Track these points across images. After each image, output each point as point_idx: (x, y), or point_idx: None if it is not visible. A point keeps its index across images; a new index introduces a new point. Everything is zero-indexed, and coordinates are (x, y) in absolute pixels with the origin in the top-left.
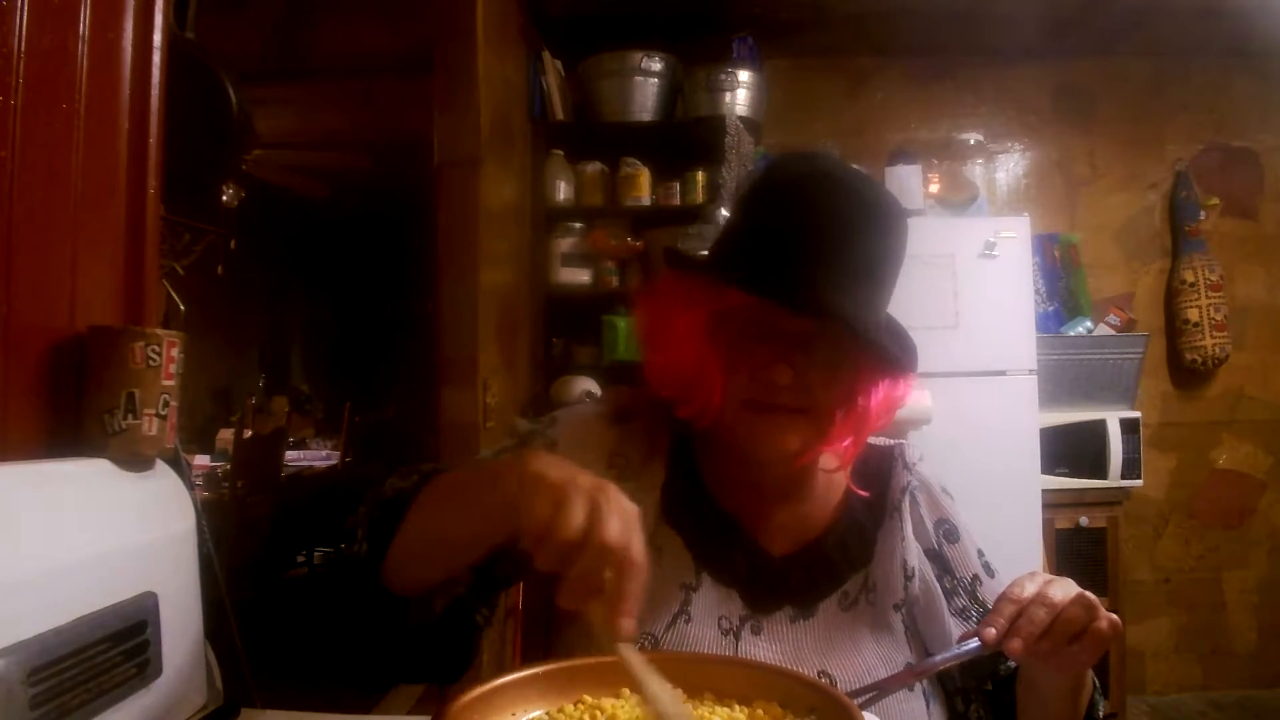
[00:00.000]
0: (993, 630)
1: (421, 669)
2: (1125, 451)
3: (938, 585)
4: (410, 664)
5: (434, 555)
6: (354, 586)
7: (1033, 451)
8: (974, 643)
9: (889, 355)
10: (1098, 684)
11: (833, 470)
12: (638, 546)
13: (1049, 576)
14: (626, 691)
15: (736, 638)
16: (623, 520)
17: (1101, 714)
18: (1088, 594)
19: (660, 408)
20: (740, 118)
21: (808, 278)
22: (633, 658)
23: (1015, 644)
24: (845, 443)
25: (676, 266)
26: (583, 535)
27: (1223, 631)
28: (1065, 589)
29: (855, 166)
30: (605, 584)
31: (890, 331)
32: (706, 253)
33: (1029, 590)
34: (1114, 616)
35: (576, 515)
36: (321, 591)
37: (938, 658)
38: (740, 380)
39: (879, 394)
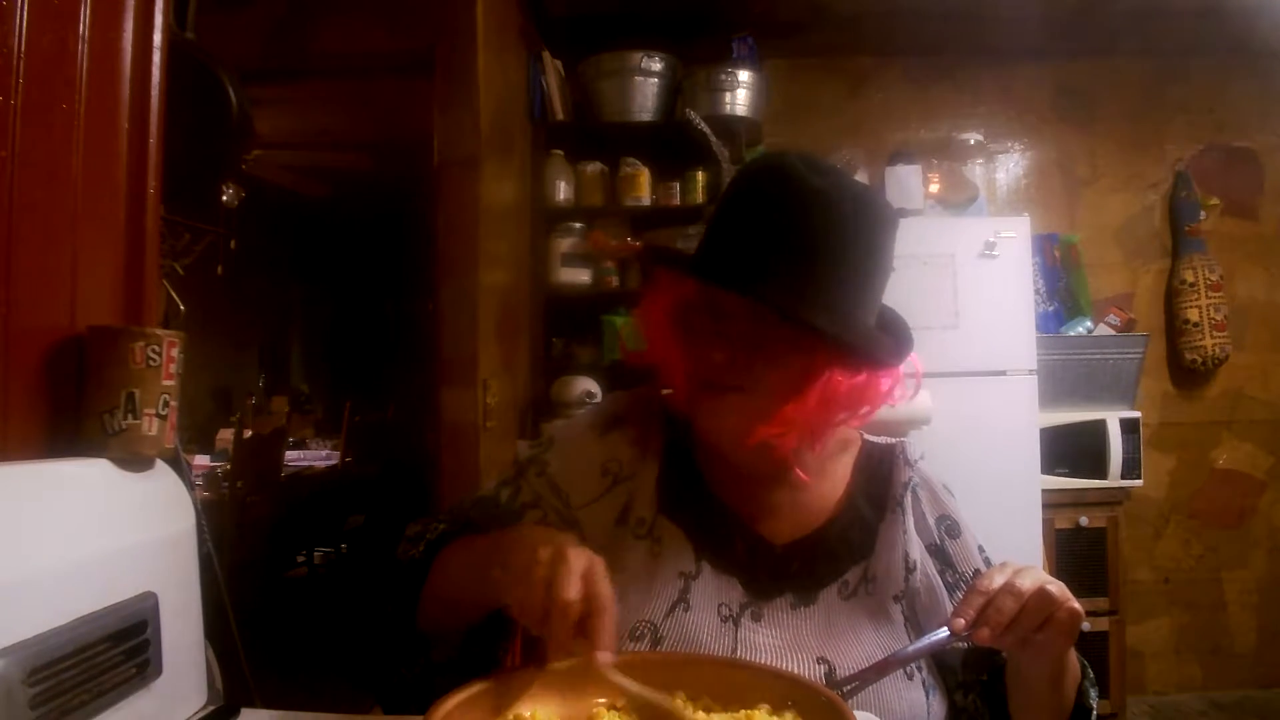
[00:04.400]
0: (962, 620)
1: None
2: (1125, 451)
3: (939, 580)
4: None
5: (449, 618)
6: (385, 636)
7: (1033, 451)
8: (943, 631)
9: (839, 341)
10: (1091, 676)
11: (790, 448)
12: (599, 590)
13: (1019, 567)
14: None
15: (736, 625)
16: (580, 574)
17: (1094, 704)
18: (1054, 583)
19: (653, 406)
20: (739, 118)
21: (747, 261)
22: (625, 682)
23: (983, 632)
24: (797, 427)
25: (653, 260)
26: (546, 602)
27: (1223, 631)
28: (1033, 579)
29: (836, 165)
30: (580, 628)
31: (884, 326)
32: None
33: (997, 581)
34: (1076, 606)
35: (537, 589)
36: (326, 628)
37: (910, 647)
38: (693, 363)
39: (839, 383)
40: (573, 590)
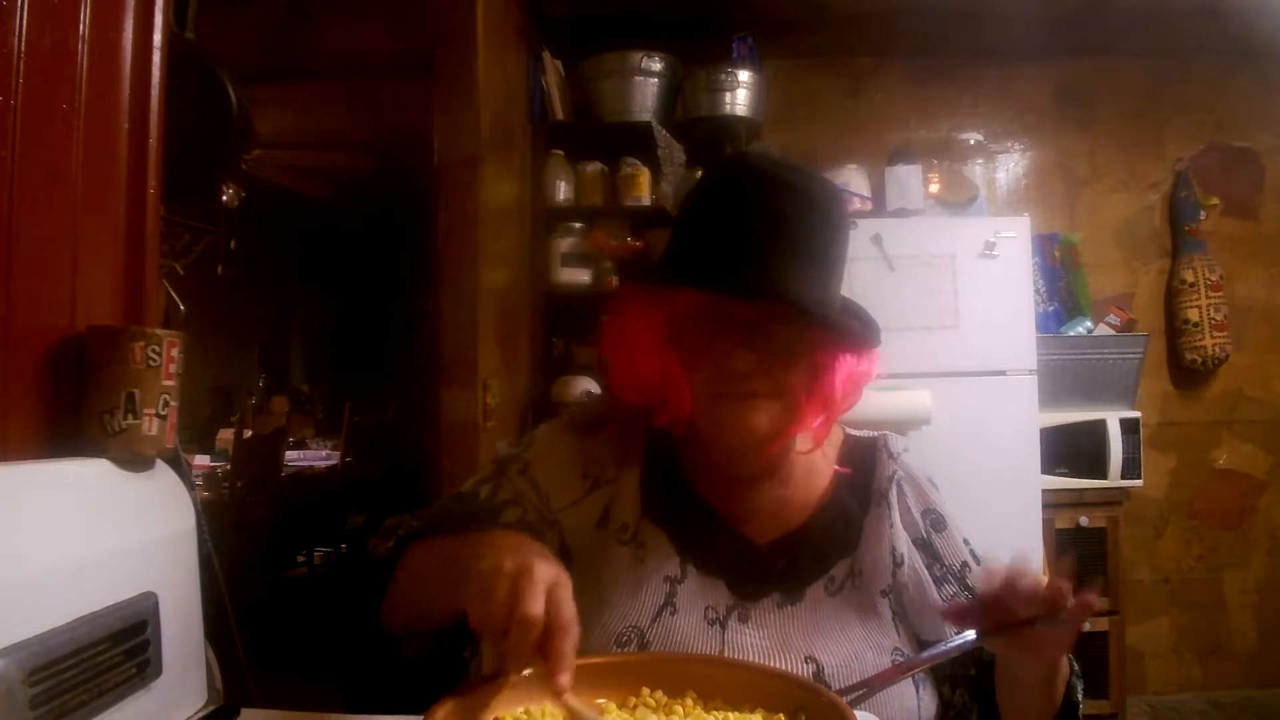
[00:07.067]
0: (984, 625)
1: (414, 699)
2: (1125, 451)
3: (927, 574)
4: (404, 694)
5: (416, 619)
6: (354, 632)
7: (1033, 451)
8: (969, 635)
9: (844, 330)
10: (1076, 669)
11: (806, 451)
12: (563, 611)
13: (1021, 569)
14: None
15: (723, 627)
16: (545, 590)
17: (1080, 699)
18: (1060, 582)
19: (636, 409)
20: (739, 118)
21: (749, 264)
22: (578, 706)
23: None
24: (815, 422)
25: (630, 279)
26: (507, 615)
27: (1223, 631)
28: (1039, 579)
29: (790, 159)
30: (539, 648)
31: (847, 311)
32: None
33: (1009, 582)
34: (1089, 599)
35: (498, 601)
36: (324, 628)
37: (924, 654)
38: (705, 375)
39: (842, 371)
40: (536, 606)
